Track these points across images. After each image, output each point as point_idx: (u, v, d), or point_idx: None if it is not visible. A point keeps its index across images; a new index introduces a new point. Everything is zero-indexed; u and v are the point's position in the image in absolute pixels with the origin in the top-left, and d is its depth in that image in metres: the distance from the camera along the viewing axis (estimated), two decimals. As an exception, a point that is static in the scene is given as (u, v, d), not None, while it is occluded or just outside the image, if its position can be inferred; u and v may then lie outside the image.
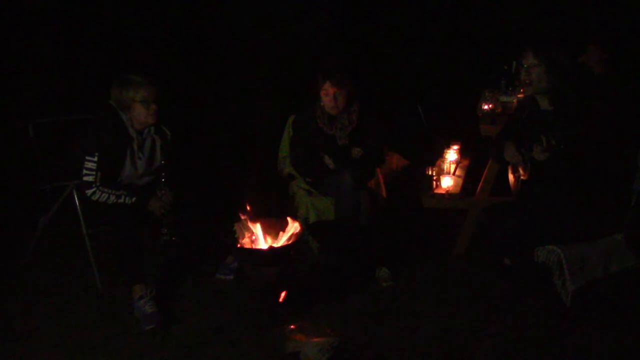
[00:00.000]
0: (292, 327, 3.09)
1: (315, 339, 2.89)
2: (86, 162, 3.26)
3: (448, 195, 3.97)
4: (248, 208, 3.32)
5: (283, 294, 3.24)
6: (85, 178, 3.27)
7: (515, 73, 4.22)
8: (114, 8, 5.80)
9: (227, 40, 6.15)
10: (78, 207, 3.56)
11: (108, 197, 3.29)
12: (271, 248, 3.29)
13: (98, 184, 3.27)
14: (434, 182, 4.04)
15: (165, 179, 3.43)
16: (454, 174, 4.22)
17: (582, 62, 4.17)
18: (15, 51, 5.45)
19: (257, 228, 3.37)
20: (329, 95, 3.66)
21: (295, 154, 3.83)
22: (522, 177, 3.14)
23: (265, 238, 3.38)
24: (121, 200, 3.30)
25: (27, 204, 4.20)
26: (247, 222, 3.33)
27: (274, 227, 3.42)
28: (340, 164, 3.64)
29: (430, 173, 4.06)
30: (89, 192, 3.28)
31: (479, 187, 3.92)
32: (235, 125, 5.93)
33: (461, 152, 4.45)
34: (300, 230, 3.41)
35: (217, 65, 6.18)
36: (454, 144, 4.45)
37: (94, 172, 3.26)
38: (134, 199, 3.32)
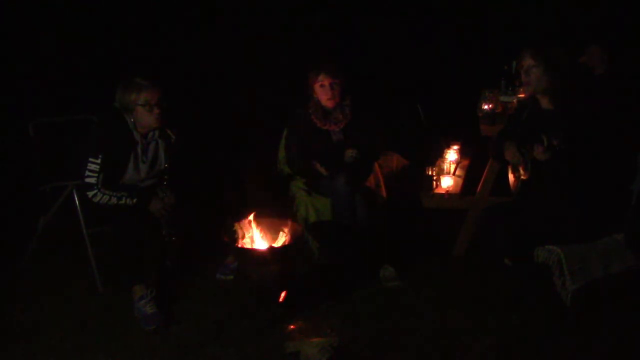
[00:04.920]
0: (292, 327, 3.09)
1: (315, 339, 2.89)
2: (89, 164, 3.24)
3: (448, 195, 3.97)
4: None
5: (283, 294, 3.25)
6: (87, 180, 3.26)
7: (515, 73, 4.22)
8: (115, 8, 5.80)
9: (226, 41, 6.16)
10: (78, 207, 3.56)
11: (109, 199, 3.28)
12: (271, 248, 3.29)
13: (100, 186, 3.26)
14: (434, 182, 4.03)
15: (168, 182, 3.43)
16: (454, 174, 4.21)
17: (583, 62, 4.17)
18: (16, 51, 5.45)
19: (257, 228, 3.38)
20: (325, 87, 3.65)
21: (290, 154, 3.83)
22: (522, 177, 3.14)
23: (265, 238, 3.38)
24: (122, 202, 3.30)
25: (27, 204, 4.19)
26: (247, 222, 3.33)
27: (274, 227, 3.42)
28: (334, 168, 3.63)
29: (430, 173, 4.06)
30: (90, 194, 3.27)
31: (479, 187, 3.92)
32: (235, 125, 5.93)
33: (461, 152, 4.45)
34: (300, 230, 3.42)
35: (217, 66, 6.19)
36: (454, 144, 4.45)
37: (96, 174, 3.25)
38: (135, 200, 3.32)
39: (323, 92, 3.66)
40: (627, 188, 3.12)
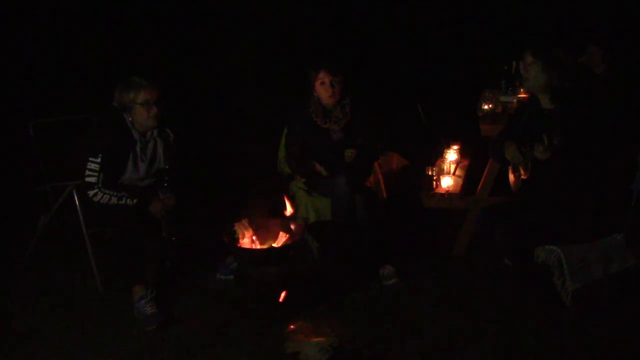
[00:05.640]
0: (292, 327, 3.09)
1: (315, 339, 2.89)
2: (89, 163, 3.25)
3: (448, 195, 3.97)
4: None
5: (283, 294, 3.25)
6: (87, 179, 3.27)
7: (515, 73, 4.22)
8: (115, 8, 5.81)
9: (225, 40, 6.16)
10: (78, 207, 3.56)
11: (110, 199, 3.28)
12: (271, 248, 3.29)
13: (100, 185, 3.26)
14: (434, 182, 4.03)
15: (168, 183, 3.43)
16: (454, 174, 4.21)
17: (583, 62, 4.16)
18: (16, 51, 5.45)
19: (256, 228, 3.38)
20: (325, 84, 3.64)
21: (290, 153, 3.82)
22: (522, 177, 3.14)
23: (265, 238, 3.38)
24: (122, 202, 3.30)
25: (27, 204, 4.19)
26: (246, 223, 3.33)
27: (274, 227, 3.42)
28: (334, 168, 3.63)
29: (430, 173, 4.06)
30: (90, 193, 3.28)
31: (479, 187, 3.92)
32: (235, 125, 5.94)
33: (461, 152, 4.45)
34: (300, 230, 3.41)
35: (216, 65, 6.19)
36: (454, 144, 4.45)
37: (96, 174, 3.25)
38: (135, 201, 3.32)
39: (323, 89, 3.65)
40: (627, 188, 3.12)
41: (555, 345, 2.90)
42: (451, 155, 4.37)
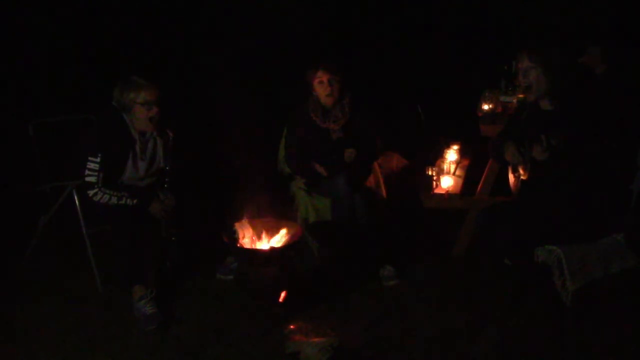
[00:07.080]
0: (292, 327, 3.09)
1: (315, 339, 2.89)
2: (89, 163, 3.25)
3: (448, 195, 3.97)
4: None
5: (283, 294, 3.25)
6: (87, 179, 3.27)
7: (515, 73, 4.22)
8: (113, 8, 5.81)
9: (224, 38, 6.16)
10: (78, 207, 3.56)
11: (109, 199, 3.28)
12: (271, 248, 3.29)
13: (100, 184, 3.27)
14: (434, 182, 4.03)
15: (168, 184, 3.43)
16: (454, 174, 4.21)
17: (583, 62, 4.16)
18: (16, 51, 5.45)
19: (256, 228, 3.38)
20: (323, 83, 3.64)
21: (290, 153, 3.83)
22: (522, 177, 3.14)
23: (265, 238, 3.38)
24: (122, 202, 3.30)
25: (27, 204, 4.19)
26: (246, 222, 3.33)
27: (273, 227, 3.42)
28: (334, 168, 3.63)
29: (430, 173, 4.06)
30: (90, 192, 3.28)
31: (479, 187, 3.92)
32: (235, 124, 5.93)
33: (461, 152, 4.45)
34: (300, 230, 3.42)
35: (215, 64, 6.19)
36: (454, 144, 4.45)
37: (96, 173, 3.26)
38: (135, 201, 3.32)
39: (322, 88, 3.65)
40: (627, 188, 3.12)
41: (555, 345, 2.90)
42: (451, 155, 4.37)
